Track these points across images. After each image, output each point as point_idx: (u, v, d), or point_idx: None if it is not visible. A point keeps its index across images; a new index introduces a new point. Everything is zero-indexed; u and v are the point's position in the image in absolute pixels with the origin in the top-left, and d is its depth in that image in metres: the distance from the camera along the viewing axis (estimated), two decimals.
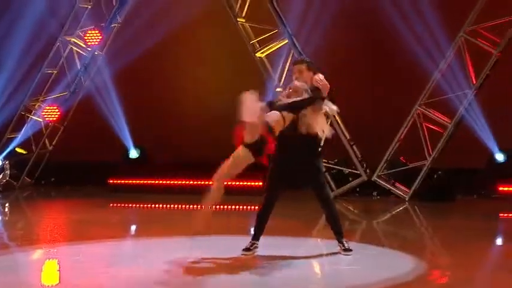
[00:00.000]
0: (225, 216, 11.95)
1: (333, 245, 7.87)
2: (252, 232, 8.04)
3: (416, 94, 13.69)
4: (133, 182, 14.49)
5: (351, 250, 7.80)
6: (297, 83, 7.69)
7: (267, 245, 8.00)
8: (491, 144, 13.57)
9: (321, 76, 7.66)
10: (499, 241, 10.23)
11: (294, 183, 7.95)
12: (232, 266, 7.50)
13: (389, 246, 8.63)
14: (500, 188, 13.28)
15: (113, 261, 7.82)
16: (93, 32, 15.29)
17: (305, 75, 7.81)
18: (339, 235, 7.88)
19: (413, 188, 13.54)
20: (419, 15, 13.41)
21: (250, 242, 7.96)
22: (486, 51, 13.28)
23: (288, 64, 14.00)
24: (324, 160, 8.45)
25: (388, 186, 13.76)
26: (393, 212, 12.33)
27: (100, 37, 15.21)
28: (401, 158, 13.90)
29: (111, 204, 13.15)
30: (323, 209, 7.94)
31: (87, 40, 15.33)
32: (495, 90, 13.47)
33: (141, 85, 15.17)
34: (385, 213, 12.28)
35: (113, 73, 14.96)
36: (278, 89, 13.99)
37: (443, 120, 13.53)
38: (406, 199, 13.47)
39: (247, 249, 7.93)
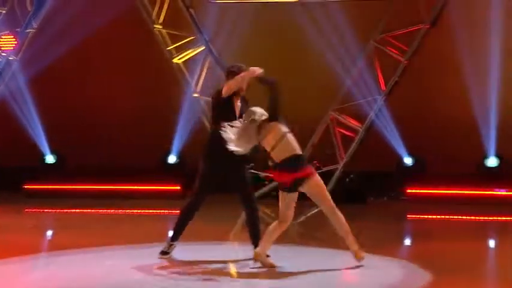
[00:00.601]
0: (139, 222, 12.05)
1: (250, 248, 8.09)
2: (171, 233, 8.08)
3: (330, 100, 14.09)
4: (50, 187, 14.41)
5: (268, 256, 8.00)
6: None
7: (184, 250, 8.13)
8: (400, 148, 14.12)
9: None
10: (407, 241, 10.72)
11: (225, 186, 8.14)
12: (149, 273, 7.60)
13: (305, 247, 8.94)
14: (409, 191, 13.78)
15: (26, 268, 7.83)
16: (7, 37, 15.12)
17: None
18: (257, 241, 8.07)
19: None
20: (331, 22, 13.81)
21: (169, 243, 8.02)
22: (396, 59, 13.78)
23: (204, 70, 14.20)
24: None
25: None
26: (308, 215, 12.65)
27: (15, 42, 15.07)
28: (315, 162, 14.26)
29: (26, 210, 13.07)
30: (247, 214, 8.07)
31: (1, 45, 15.16)
32: (404, 96, 14.01)
33: (57, 91, 15.10)
34: (300, 215, 12.58)
35: (28, 78, 14.84)
36: (195, 95, 14.19)
37: (355, 125, 13.98)
38: None
39: (164, 253, 8.00)
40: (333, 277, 7.47)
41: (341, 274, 7.67)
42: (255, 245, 8.00)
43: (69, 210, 12.89)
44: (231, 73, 8.14)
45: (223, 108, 7.95)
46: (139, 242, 9.31)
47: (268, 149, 7.63)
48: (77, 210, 12.90)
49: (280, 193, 7.59)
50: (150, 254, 8.13)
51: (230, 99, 8.01)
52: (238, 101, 8.10)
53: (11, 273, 7.60)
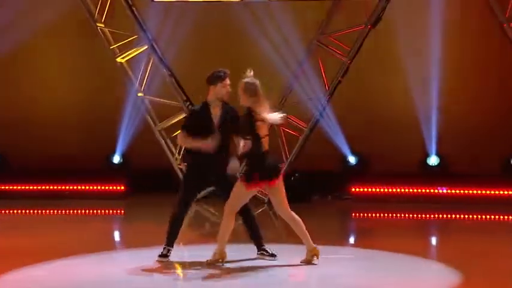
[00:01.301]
0: (83, 222, 11.96)
1: (195, 249, 8.12)
2: (166, 238, 8.02)
3: (274, 99, 14.13)
4: None
5: (275, 255, 7.98)
6: None
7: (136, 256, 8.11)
8: (344, 147, 14.27)
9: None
10: (351, 240, 10.87)
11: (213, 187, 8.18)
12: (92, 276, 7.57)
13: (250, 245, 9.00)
14: (353, 189, 13.95)
15: None
16: None
17: None
18: (259, 241, 8.03)
19: None
20: (275, 22, 13.89)
21: (166, 248, 7.98)
22: (339, 59, 13.90)
23: (148, 69, 14.13)
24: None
25: None
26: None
27: None
28: None
29: None
30: (244, 217, 8.00)
31: None
32: (347, 96, 14.17)
33: (0, 90, 14.92)
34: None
35: None
36: (139, 94, 14.11)
37: (300, 125, 14.07)
38: (265, 201, 13.90)
39: (164, 256, 7.97)
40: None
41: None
42: (257, 245, 7.98)
43: (12, 211, 12.72)
44: (218, 78, 8.07)
45: (198, 120, 7.93)
46: (84, 243, 9.26)
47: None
48: (19, 211, 12.74)
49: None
50: (97, 260, 8.11)
51: (206, 109, 7.99)
52: (218, 109, 8.04)
53: None
